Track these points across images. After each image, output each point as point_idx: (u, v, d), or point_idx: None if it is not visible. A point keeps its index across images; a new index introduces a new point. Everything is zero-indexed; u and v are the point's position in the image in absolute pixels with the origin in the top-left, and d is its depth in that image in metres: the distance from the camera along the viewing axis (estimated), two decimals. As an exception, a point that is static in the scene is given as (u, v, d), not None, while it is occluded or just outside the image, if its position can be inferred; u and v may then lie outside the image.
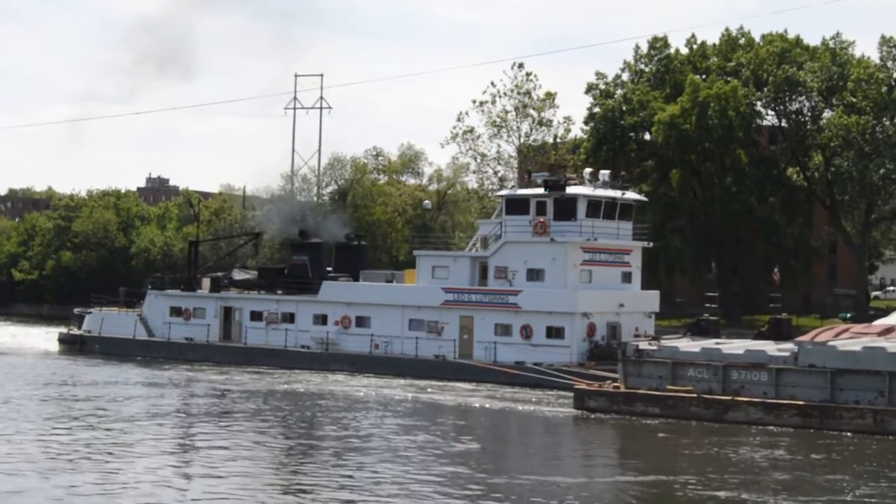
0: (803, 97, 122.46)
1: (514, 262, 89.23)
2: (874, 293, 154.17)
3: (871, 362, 64.94)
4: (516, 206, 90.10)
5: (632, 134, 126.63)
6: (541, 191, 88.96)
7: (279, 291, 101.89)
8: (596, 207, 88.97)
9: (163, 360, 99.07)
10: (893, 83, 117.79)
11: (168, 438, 59.40)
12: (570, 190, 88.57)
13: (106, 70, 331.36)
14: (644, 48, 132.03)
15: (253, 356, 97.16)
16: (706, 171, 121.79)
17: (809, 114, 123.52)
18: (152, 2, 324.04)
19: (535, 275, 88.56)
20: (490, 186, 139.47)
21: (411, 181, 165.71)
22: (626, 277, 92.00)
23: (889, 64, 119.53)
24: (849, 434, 62.76)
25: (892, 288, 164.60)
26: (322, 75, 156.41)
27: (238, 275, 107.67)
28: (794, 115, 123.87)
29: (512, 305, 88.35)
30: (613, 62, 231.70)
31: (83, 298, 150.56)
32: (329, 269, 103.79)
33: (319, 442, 58.97)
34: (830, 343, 68.80)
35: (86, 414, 66.31)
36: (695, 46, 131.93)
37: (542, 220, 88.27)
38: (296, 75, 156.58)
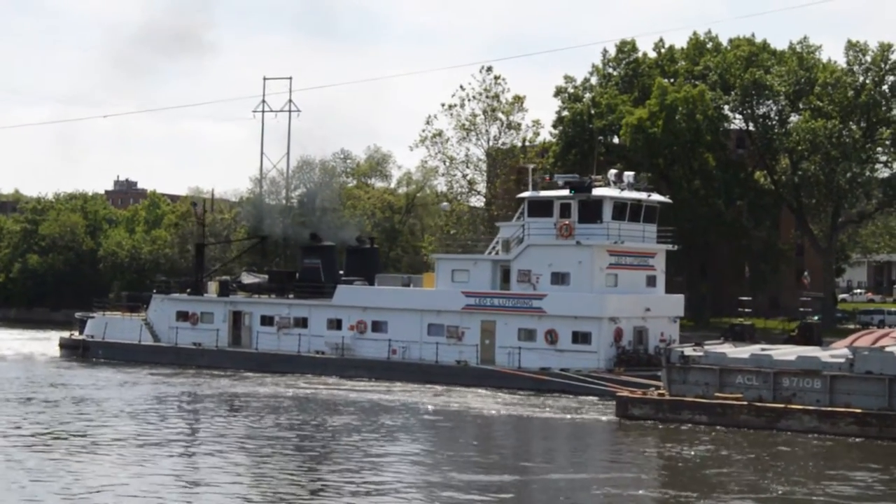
0: (770, 101, 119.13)
1: (538, 266, 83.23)
2: (841, 296, 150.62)
3: (933, 369, 59.76)
4: (539, 208, 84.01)
5: (600, 137, 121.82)
6: (565, 192, 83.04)
7: (290, 295, 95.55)
8: (622, 209, 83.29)
9: (170, 366, 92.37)
10: (860, 87, 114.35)
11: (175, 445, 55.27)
12: (597, 191, 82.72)
13: (75, 73, 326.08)
14: (612, 52, 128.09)
15: (265, 362, 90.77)
16: (674, 174, 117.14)
17: (777, 118, 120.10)
18: (124, 6, 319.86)
19: (560, 278, 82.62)
20: (459, 189, 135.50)
21: (379, 184, 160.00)
22: (651, 281, 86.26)
23: (855, 68, 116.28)
24: None
25: (859, 291, 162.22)
26: (291, 78, 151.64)
27: (247, 278, 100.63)
28: (761, 119, 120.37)
29: (536, 310, 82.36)
30: (582, 66, 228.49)
31: (50, 302, 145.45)
32: (340, 272, 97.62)
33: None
34: (889, 349, 63.67)
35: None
36: (663, 50, 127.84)
37: (566, 222, 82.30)
38: (264, 78, 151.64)
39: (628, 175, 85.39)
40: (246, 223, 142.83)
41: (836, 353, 66.16)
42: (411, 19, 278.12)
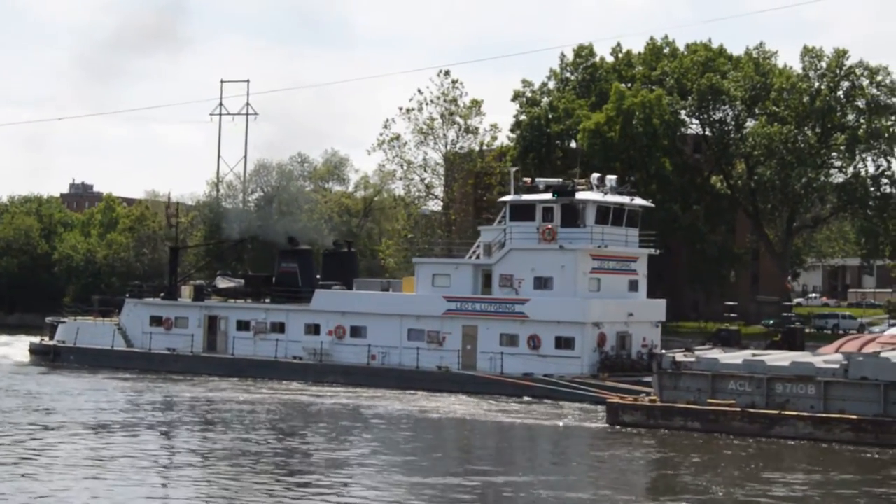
0: (727, 106, 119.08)
1: (521, 270, 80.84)
2: (797, 300, 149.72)
3: (930, 375, 58.00)
4: (521, 212, 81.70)
5: (557, 141, 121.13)
6: (547, 196, 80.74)
7: (267, 300, 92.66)
8: (605, 213, 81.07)
9: (144, 372, 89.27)
10: (815, 93, 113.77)
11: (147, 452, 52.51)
12: (580, 195, 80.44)
13: (30, 75, 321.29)
14: (570, 56, 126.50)
15: (241, 367, 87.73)
16: (631, 178, 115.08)
17: (733, 122, 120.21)
18: (78, 8, 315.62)
19: (542, 283, 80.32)
20: (416, 193, 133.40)
21: (337, 188, 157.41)
22: (633, 286, 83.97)
23: (811, 74, 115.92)
24: None
25: (814, 295, 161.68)
26: (248, 81, 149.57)
27: (222, 283, 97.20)
28: (717, 124, 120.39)
29: (518, 315, 79.97)
30: (540, 70, 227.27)
31: (4, 306, 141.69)
32: (318, 276, 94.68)
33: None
34: (884, 355, 61.72)
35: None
36: (620, 55, 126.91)
37: (549, 226, 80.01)
38: (221, 81, 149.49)
39: (610, 179, 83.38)
40: (203, 226, 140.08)
41: (829, 358, 64.11)
42: (372, 24, 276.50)
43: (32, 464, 48.58)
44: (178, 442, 58.15)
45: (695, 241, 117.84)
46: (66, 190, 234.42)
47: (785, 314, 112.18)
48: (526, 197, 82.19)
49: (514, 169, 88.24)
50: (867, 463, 53.79)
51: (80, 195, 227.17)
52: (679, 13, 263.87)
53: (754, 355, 66.90)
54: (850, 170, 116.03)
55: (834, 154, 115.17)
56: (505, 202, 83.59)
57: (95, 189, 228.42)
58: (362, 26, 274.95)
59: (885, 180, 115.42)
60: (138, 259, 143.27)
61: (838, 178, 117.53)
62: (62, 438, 56.21)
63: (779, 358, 65.60)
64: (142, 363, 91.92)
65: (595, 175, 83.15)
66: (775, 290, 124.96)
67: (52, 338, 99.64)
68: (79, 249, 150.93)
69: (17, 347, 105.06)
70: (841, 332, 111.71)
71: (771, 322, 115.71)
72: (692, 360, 64.94)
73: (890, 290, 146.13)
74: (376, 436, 60.61)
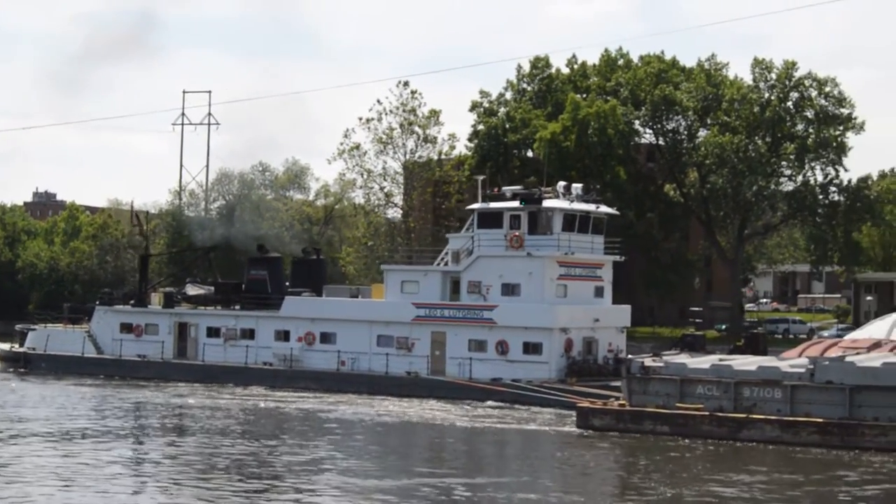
0: (679, 116, 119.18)
1: (489, 277, 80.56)
2: (748, 305, 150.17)
3: (892, 378, 58.36)
4: (489, 219, 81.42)
5: (514, 151, 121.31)
6: (515, 204, 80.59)
7: (236, 307, 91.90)
8: (571, 221, 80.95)
9: (114, 378, 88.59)
10: (765, 104, 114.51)
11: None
12: (547, 203, 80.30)
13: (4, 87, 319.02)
14: (526, 68, 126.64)
15: (211, 373, 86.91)
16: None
17: (685, 132, 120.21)
18: (45, 19, 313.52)
19: (510, 289, 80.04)
20: (376, 202, 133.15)
21: (298, 196, 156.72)
22: (599, 292, 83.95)
23: (761, 85, 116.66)
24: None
25: (765, 300, 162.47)
26: (210, 92, 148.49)
27: (192, 290, 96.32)
28: (670, 134, 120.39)
29: (487, 321, 79.70)
30: (497, 81, 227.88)
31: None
32: (287, 284, 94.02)
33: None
34: (849, 359, 62.10)
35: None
36: (575, 66, 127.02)
37: (516, 233, 79.79)
38: (183, 91, 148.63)
39: (576, 187, 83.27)
40: (166, 234, 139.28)
41: (795, 363, 64.24)
42: (337, 37, 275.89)
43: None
44: (146, 447, 57.76)
45: (649, 249, 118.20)
46: (29, 199, 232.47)
47: (748, 321, 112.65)
48: (493, 205, 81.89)
49: (481, 178, 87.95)
50: (819, 464, 54.10)
51: (44, 203, 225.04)
52: (633, 26, 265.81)
53: (721, 360, 66.96)
54: (800, 178, 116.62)
55: (784, 163, 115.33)
56: (473, 210, 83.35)
57: (59, 197, 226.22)
58: (327, 38, 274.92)
59: (833, 188, 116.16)
60: (101, 266, 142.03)
61: (788, 186, 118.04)
62: (30, 445, 55.59)
63: (745, 362, 65.63)
64: (112, 370, 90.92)
65: (561, 183, 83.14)
66: (727, 295, 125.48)
67: (21, 345, 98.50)
68: (42, 257, 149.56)
69: None
70: (791, 336, 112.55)
71: (724, 327, 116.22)
72: (661, 364, 64.98)
73: (838, 296, 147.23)
74: (341, 440, 60.51)
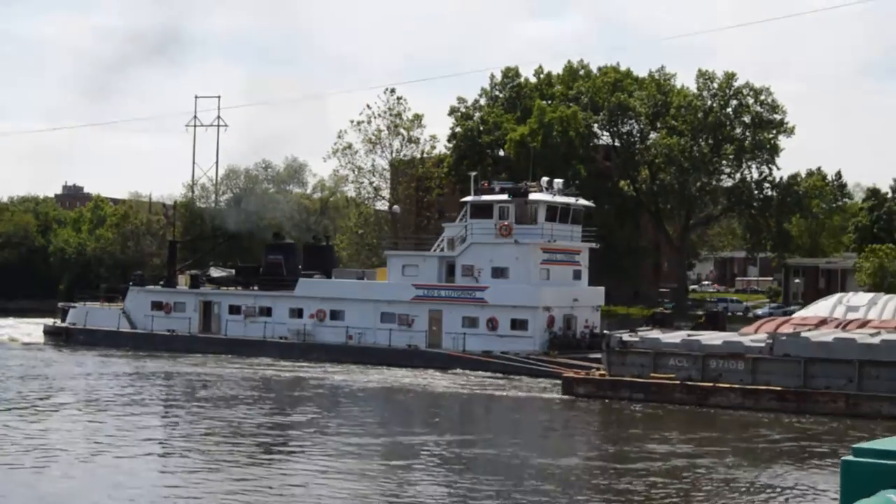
0: (633, 120, 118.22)
1: (480, 261, 78.53)
2: (692, 287, 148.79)
3: (843, 352, 57.13)
4: (481, 210, 79.41)
5: (488, 150, 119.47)
6: (504, 197, 78.66)
7: (255, 287, 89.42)
8: (553, 212, 79.11)
9: (146, 351, 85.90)
10: (708, 110, 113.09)
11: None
12: (532, 196, 78.46)
13: (28, 90, 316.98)
14: (499, 77, 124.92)
15: (233, 346, 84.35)
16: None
17: (638, 135, 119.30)
18: (70, 29, 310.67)
19: (499, 272, 77.96)
20: (366, 195, 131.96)
21: (297, 190, 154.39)
22: (577, 275, 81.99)
23: (704, 94, 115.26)
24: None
25: (706, 282, 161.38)
26: (219, 97, 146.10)
27: (215, 272, 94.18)
28: (625, 136, 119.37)
29: (478, 300, 77.70)
30: (473, 89, 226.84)
31: (5, 292, 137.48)
32: (300, 267, 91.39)
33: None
34: (804, 334, 60.69)
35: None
36: (541, 76, 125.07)
37: (505, 223, 77.78)
38: (196, 97, 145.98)
39: (558, 182, 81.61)
40: (180, 223, 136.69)
41: (755, 338, 63.02)
42: (328, 47, 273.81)
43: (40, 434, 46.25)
44: (173, 412, 56.21)
45: (606, 238, 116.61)
46: (59, 191, 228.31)
47: (709, 300, 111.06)
48: (485, 198, 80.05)
49: (473, 174, 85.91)
50: (750, 425, 53.03)
51: (72, 196, 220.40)
52: (592, 41, 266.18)
53: (689, 335, 65.39)
54: (738, 176, 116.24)
55: (724, 162, 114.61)
56: (466, 202, 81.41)
57: (86, 190, 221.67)
58: (320, 48, 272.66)
59: (766, 185, 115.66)
60: (123, 252, 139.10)
61: (727, 182, 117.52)
62: (70, 410, 53.91)
63: (711, 337, 64.12)
64: (144, 343, 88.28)
65: (545, 179, 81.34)
66: (674, 278, 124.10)
67: (63, 320, 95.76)
68: (71, 243, 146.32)
69: (20, 330, 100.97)
70: (729, 314, 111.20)
71: (671, 305, 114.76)
72: (636, 339, 63.64)
73: (771, 279, 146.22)
74: (348, 404, 59.26)
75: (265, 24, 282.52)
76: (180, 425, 50.99)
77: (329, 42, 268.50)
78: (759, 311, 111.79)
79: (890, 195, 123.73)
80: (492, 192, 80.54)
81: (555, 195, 79.88)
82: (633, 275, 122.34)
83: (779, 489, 37.53)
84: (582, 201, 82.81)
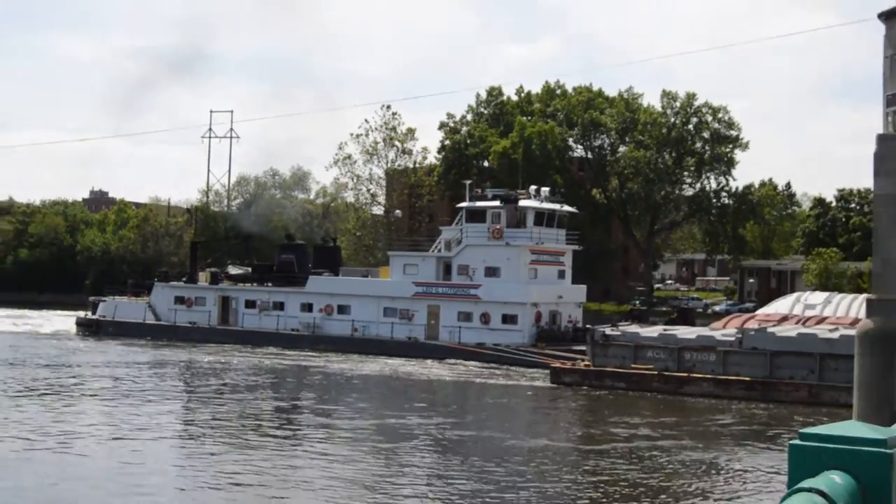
0: (604, 135, 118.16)
1: (475, 261, 78.87)
2: (657, 285, 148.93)
3: (806, 346, 57.47)
4: (475, 215, 79.74)
5: (474, 161, 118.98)
6: (496, 203, 78.94)
7: (269, 284, 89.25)
8: (541, 217, 79.47)
9: (170, 341, 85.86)
10: (671, 126, 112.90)
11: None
12: (522, 203, 78.83)
13: (58, 104, 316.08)
14: (483, 95, 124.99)
15: (248, 337, 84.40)
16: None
17: (609, 148, 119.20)
18: (94, 48, 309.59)
19: (492, 272, 78.32)
20: (364, 201, 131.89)
21: (301, 195, 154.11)
22: (561, 274, 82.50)
23: (668, 111, 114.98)
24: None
25: (669, 282, 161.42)
26: (232, 111, 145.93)
27: (233, 270, 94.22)
28: (597, 149, 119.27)
29: (473, 297, 78.02)
30: (460, 106, 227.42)
31: (36, 287, 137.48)
32: (310, 265, 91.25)
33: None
34: (770, 330, 61.25)
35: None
36: (522, 95, 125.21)
37: (497, 227, 78.12)
38: (210, 111, 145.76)
39: (545, 190, 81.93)
40: (196, 225, 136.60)
41: (726, 332, 63.53)
42: (330, 66, 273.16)
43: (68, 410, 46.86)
44: (190, 395, 56.41)
45: (579, 241, 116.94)
46: (87, 196, 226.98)
47: (680, 298, 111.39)
48: (479, 204, 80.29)
49: (468, 182, 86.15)
50: (712, 411, 53.37)
51: (98, 200, 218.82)
52: (568, 64, 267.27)
53: (666, 330, 65.91)
54: (698, 185, 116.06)
55: (685, 173, 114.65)
56: (462, 208, 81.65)
57: (110, 195, 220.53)
58: (321, 68, 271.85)
59: (724, 194, 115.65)
60: (143, 251, 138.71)
61: (689, 191, 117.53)
62: (100, 392, 54.26)
63: (686, 332, 64.67)
64: (168, 334, 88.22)
65: (532, 187, 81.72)
66: (640, 278, 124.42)
67: (94, 313, 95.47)
68: (96, 243, 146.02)
69: (53, 321, 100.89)
70: (675, 309, 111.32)
71: (637, 301, 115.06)
72: (618, 333, 63.96)
73: (727, 279, 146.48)
74: (353, 390, 59.27)
75: (275, 46, 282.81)
76: (195, 407, 51.02)
77: (332, 63, 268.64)
78: (717, 308, 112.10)
79: (834, 204, 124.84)
80: (485, 198, 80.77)
81: (542, 202, 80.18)
82: (605, 274, 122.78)
83: (739, 470, 37.73)
84: (566, 207, 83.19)
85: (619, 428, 46.46)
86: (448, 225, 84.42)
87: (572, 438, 45.21)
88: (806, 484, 2.74)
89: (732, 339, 60.40)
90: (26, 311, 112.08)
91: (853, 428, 2.99)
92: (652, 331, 65.02)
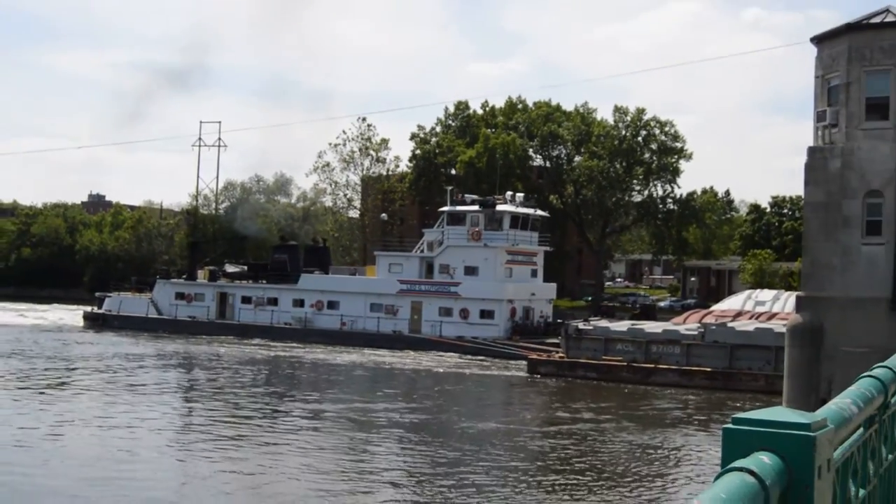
0: (561, 146, 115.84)
1: (455, 261, 76.88)
2: (607, 283, 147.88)
3: (763, 339, 56.18)
4: (455, 218, 77.86)
5: (442, 169, 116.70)
6: (475, 208, 77.09)
7: (263, 281, 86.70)
8: (516, 221, 77.66)
9: (171, 333, 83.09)
10: (622, 138, 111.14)
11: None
12: (499, 207, 76.93)
13: (59, 114, 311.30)
14: (451, 109, 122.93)
15: (244, 331, 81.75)
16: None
17: (565, 158, 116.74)
18: (91, 63, 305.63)
19: (471, 271, 76.39)
20: (341, 205, 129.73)
21: (283, 200, 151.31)
22: (534, 273, 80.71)
23: (620, 125, 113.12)
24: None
25: (619, 280, 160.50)
26: (220, 122, 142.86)
27: (230, 268, 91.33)
28: (554, 159, 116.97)
29: (453, 294, 75.98)
30: (430, 118, 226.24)
31: (38, 283, 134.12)
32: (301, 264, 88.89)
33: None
34: (730, 324, 59.94)
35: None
36: (487, 109, 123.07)
37: (476, 229, 76.24)
38: (200, 121, 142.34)
39: (519, 196, 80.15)
40: (195, 225, 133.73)
41: (689, 327, 61.93)
42: (312, 81, 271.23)
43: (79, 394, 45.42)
44: (188, 382, 54.87)
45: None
46: (85, 199, 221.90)
47: (642, 295, 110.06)
48: (459, 208, 78.41)
49: (450, 188, 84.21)
50: (651, 397, 52.58)
51: (96, 203, 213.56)
52: (529, 81, 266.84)
53: (633, 325, 64.45)
54: (646, 192, 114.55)
55: (635, 181, 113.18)
56: (444, 212, 79.62)
57: (107, 198, 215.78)
58: (300, 82, 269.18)
59: (669, 200, 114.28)
60: (137, 250, 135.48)
61: (637, 198, 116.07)
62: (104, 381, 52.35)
63: (652, 326, 63.27)
64: (169, 327, 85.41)
65: (508, 193, 79.92)
66: (592, 276, 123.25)
67: (100, 308, 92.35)
68: (94, 243, 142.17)
69: (59, 314, 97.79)
70: (638, 306, 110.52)
71: (590, 298, 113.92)
72: (590, 327, 62.49)
73: (672, 277, 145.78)
74: (340, 380, 57.62)
75: (263, 61, 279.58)
76: (190, 396, 49.65)
77: (316, 79, 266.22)
78: (662, 304, 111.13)
79: (769, 210, 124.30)
80: (464, 203, 78.98)
81: (517, 206, 78.40)
82: (560, 273, 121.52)
83: (675, 450, 37.03)
84: (539, 212, 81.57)
85: (588, 413, 45.42)
86: (419, 227, 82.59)
87: (541, 422, 43.85)
88: (737, 464, 2.45)
89: (695, 332, 59.07)
90: (35, 305, 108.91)
91: (781, 413, 2.88)
92: (621, 325, 63.57)
